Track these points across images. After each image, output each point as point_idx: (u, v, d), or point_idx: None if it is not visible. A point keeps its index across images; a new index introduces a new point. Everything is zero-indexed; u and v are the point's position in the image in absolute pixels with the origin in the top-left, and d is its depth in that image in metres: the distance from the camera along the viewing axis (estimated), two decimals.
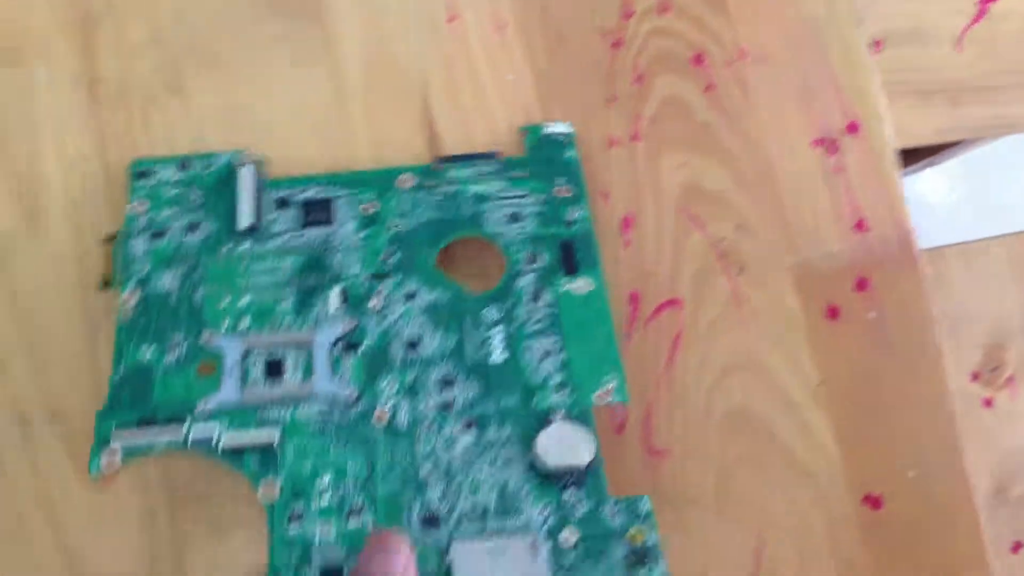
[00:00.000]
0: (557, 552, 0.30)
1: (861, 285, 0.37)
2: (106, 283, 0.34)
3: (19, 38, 0.37)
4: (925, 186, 0.69)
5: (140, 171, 0.36)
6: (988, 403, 0.61)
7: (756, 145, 0.37)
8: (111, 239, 0.34)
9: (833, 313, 0.37)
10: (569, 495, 0.31)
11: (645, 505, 0.32)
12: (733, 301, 0.37)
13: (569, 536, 0.31)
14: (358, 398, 0.33)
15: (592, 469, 0.32)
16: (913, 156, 0.74)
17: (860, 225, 0.37)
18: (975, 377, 0.61)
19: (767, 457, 0.37)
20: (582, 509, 0.31)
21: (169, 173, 0.36)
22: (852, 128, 0.37)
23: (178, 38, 0.37)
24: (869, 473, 0.37)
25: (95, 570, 0.35)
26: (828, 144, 0.37)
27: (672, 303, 0.37)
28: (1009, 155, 0.61)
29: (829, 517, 0.36)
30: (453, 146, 0.37)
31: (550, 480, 0.32)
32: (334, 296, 0.34)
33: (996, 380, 0.61)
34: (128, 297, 0.34)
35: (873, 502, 0.37)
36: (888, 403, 0.37)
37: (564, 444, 0.32)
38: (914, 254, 0.37)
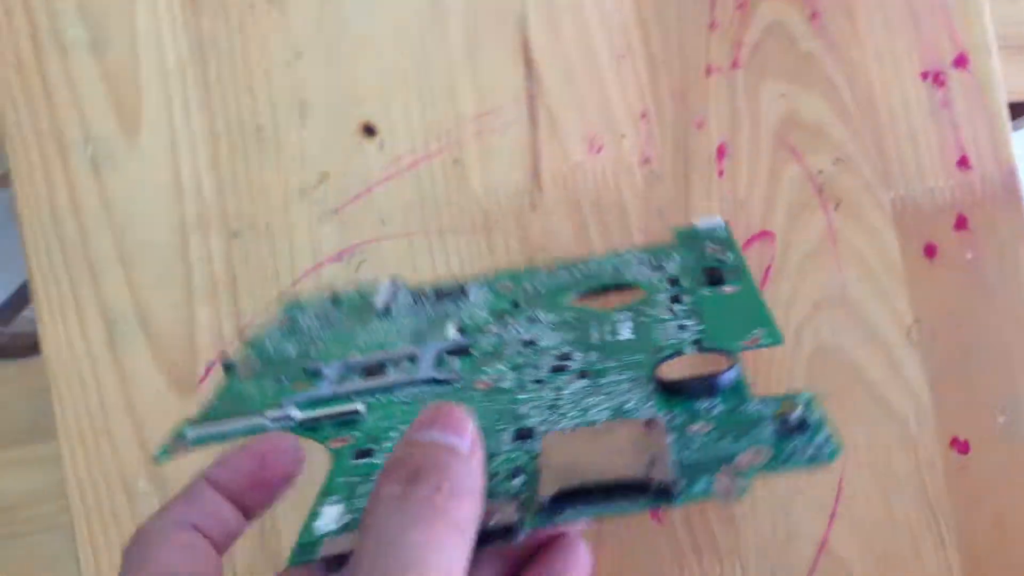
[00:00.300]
0: (683, 439, 0.23)
1: (961, 224, 0.36)
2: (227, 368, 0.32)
3: None
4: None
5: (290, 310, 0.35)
6: None
7: (860, 76, 0.36)
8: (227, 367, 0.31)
9: (931, 251, 0.36)
10: (702, 402, 0.24)
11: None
12: (828, 236, 0.36)
13: (702, 427, 0.23)
14: (460, 379, 0.29)
15: (731, 381, 0.25)
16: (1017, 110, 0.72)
17: (963, 162, 0.36)
18: None
19: (854, 394, 0.36)
20: (718, 408, 0.24)
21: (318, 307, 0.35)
22: (960, 61, 0.36)
23: None
24: (958, 416, 0.36)
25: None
26: (935, 77, 0.36)
27: (764, 235, 0.36)
28: None
29: (914, 457, 0.36)
30: (551, 76, 0.37)
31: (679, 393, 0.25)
32: (450, 326, 0.32)
33: None
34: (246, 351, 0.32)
35: (961, 446, 0.36)
36: (982, 346, 0.36)
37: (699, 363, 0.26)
38: (1018, 194, 0.36)
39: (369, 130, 0.36)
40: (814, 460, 0.21)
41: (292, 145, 0.36)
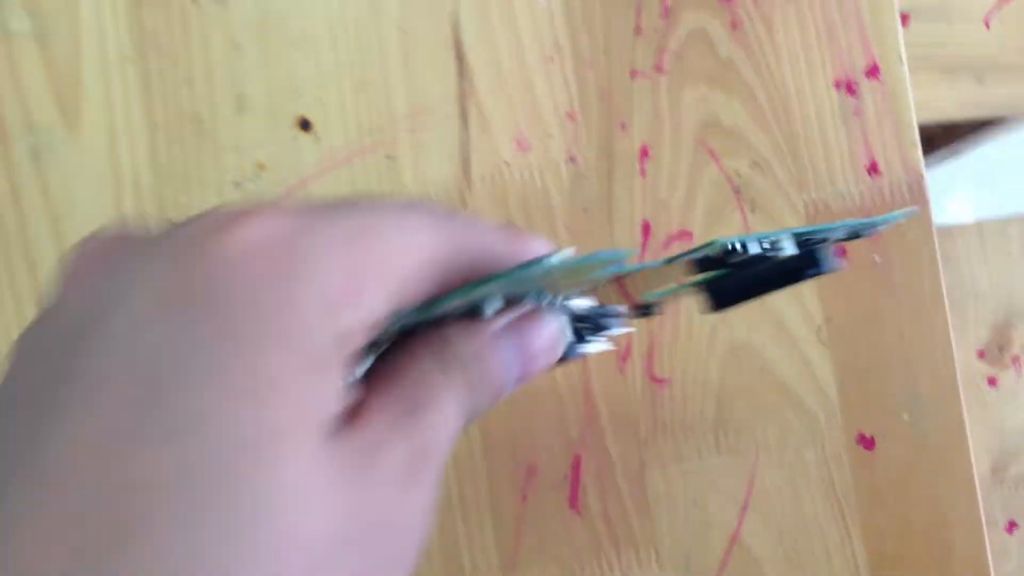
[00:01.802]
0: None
1: None
2: None
3: None
4: (946, 169, 0.69)
5: None
6: (992, 382, 0.62)
7: (776, 83, 0.37)
8: None
9: (841, 253, 0.37)
10: None
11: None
12: None
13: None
14: None
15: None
16: (934, 143, 0.74)
17: (873, 168, 0.37)
18: (981, 355, 0.62)
19: (766, 391, 0.37)
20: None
21: None
22: (872, 71, 0.37)
23: None
24: (865, 413, 0.37)
25: None
26: (848, 86, 0.37)
27: (683, 234, 0.38)
28: None
29: (823, 453, 0.37)
30: (482, 75, 0.38)
31: None
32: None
33: (1002, 359, 0.62)
34: None
35: (867, 443, 0.37)
36: (888, 346, 0.37)
37: None
38: (925, 200, 0.37)
39: (305, 124, 0.38)
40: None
41: (229, 137, 0.37)
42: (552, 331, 0.22)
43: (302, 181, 0.37)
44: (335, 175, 0.37)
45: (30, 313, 0.37)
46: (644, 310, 0.24)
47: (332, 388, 0.18)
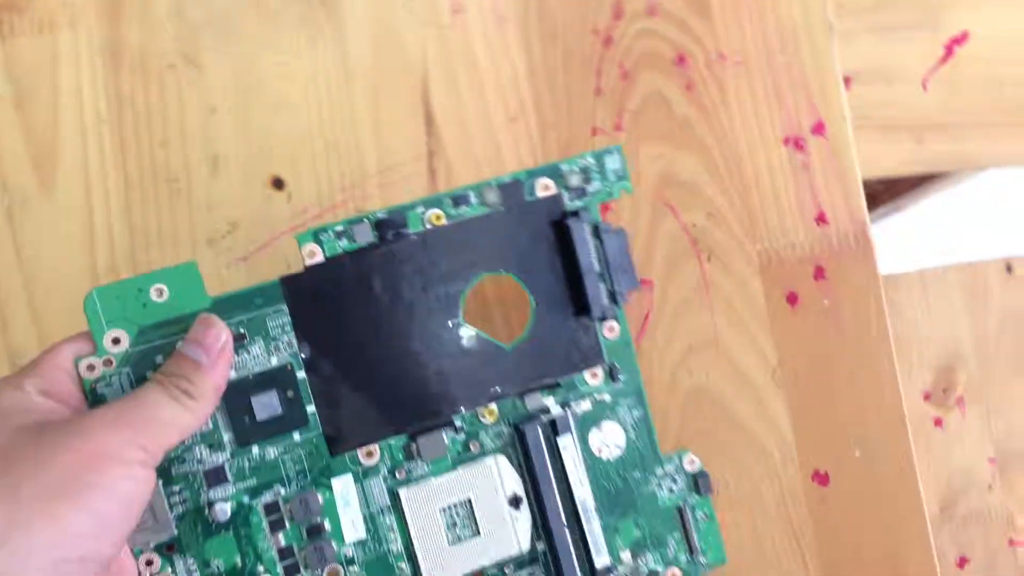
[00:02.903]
0: None
1: (819, 274, 0.39)
2: None
3: (50, 9, 0.39)
4: (890, 223, 0.72)
5: None
6: (938, 423, 0.64)
7: (729, 141, 0.40)
8: None
9: (793, 299, 0.39)
10: None
11: None
12: (701, 284, 0.39)
13: None
14: None
15: None
16: (877, 200, 0.77)
17: (821, 218, 0.40)
18: (927, 398, 0.64)
19: (724, 432, 0.39)
20: None
21: None
22: (818, 129, 0.40)
23: (198, 12, 0.39)
24: (819, 451, 0.39)
25: None
26: (796, 142, 0.40)
27: (644, 283, 0.39)
28: (967, 193, 0.64)
29: (780, 490, 0.39)
30: (449, 134, 0.39)
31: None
32: None
33: (947, 400, 0.64)
34: None
35: (821, 479, 0.39)
36: (839, 386, 0.39)
37: None
38: (870, 247, 0.39)
39: (278, 183, 0.39)
40: None
41: (203, 197, 0.38)
42: (217, 330, 0.31)
43: (275, 237, 0.38)
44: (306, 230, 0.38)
45: (3, 371, 0.37)
46: None
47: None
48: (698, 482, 0.35)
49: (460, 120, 0.40)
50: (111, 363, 0.31)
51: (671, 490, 0.35)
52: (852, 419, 0.39)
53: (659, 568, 0.35)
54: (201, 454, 0.31)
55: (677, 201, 0.39)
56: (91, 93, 0.38)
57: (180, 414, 0.29)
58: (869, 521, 0.39)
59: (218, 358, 0.30)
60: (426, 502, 0.33)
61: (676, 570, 0.35)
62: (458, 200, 0.34)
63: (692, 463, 0.35)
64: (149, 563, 0.31)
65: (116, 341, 0.31)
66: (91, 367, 0.31)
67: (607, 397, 0.35)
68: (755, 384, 0.39)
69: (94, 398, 0.31)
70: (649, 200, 0.39)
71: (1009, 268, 0.65)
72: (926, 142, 0.63)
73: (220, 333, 0.31)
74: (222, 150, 0.39)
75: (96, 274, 0.38)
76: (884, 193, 0.79)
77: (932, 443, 0.64)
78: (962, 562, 0.64)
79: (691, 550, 0.35)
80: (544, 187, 0.34)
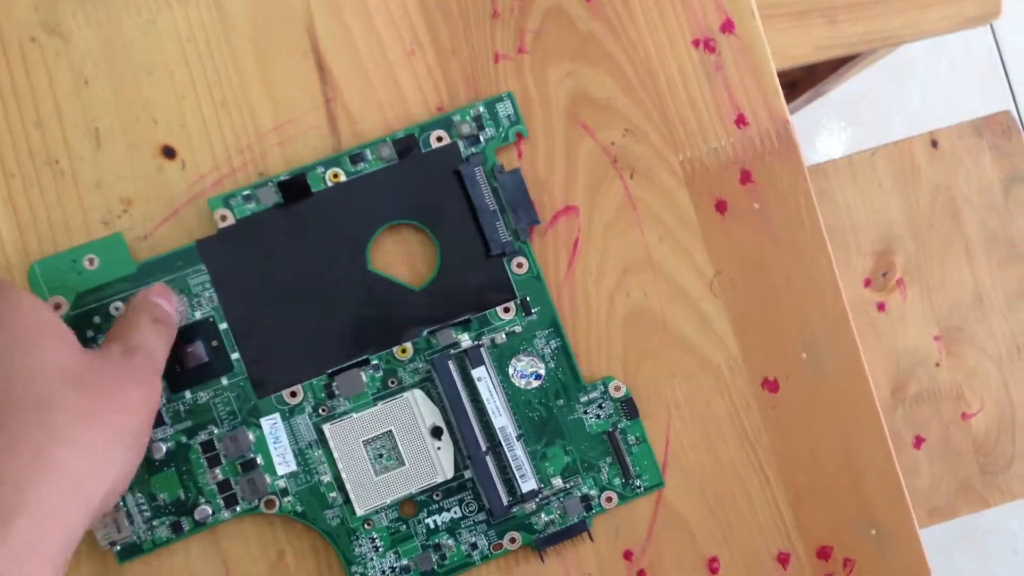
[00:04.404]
0: None
1: (745, 178, 0.38)
2: None
3: None
4: (813, 110, 0.71)
5: None
6: (881, 307, 0.65)
7: (638, 50, 0.38)
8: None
9: (722, 207, 0.38)
10: None
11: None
12: (627, 203, 0.38)
13: None
14: None
15: None
16: (798, 88, 0.76)
17: (740, 120, 0.38)
18: (867, 283, 0.64)
19: (669, 350, 0.38)
20: None
21: None
22: (727, 27, 0.38)
23: None
24: (765, 358, 0.38)
25: None
26: (706, 44, 0.38)
27: (569, 210, 0.38)
28: (898, 66, 0.64)
29: (731, 402, 0.38)
30: (345, 78, 0.37)
31: None
32: None
33: (887, 284, 0.64)
34: None
35: (771, 385, 0.38)
36: (778, 290, 0.38)
37: None
38: (794, 144, 0.38)
39: (169, 151, 0.36)
40: None
41: (90, 175, 0.36)
42: (160, 289, 0.35)
43: (174, 210, 0.36)
44: (206, 199, 0.36)
45: None
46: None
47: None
48: (625, 407, 0.37)
49: (354, 62, 0.37)
50: None
51: (598, 416, 0.37)
52: (795, 322, 0.38)
53: (593, 492, 0.37)
54: None
55: (592, 120, 0.38)
56: None
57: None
58: (821, 421, 0.38)
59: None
60: (349, 436, 0.35)
61: (612, 493, 0.37)
62: (355, 158, 0.36)
63: (618, 389, 0.37)
64: None
65: (57, 306, 0.34)
66: None
67: (519, 329, 0.36)
68: (694, 299, 0.38)
69: None
70: (563, 123, 0.38)
71: (934, 143, 0.64)
72: (839, 24, 0.62)
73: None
74: (103, 123, 0.36)
75: None
76: (805, 80, 0.78)
77: (877, 328, 0.64)
78: (918, 442, 0.65)
79: (626, 475, 0.37)
80: (438, 138, 0.36)
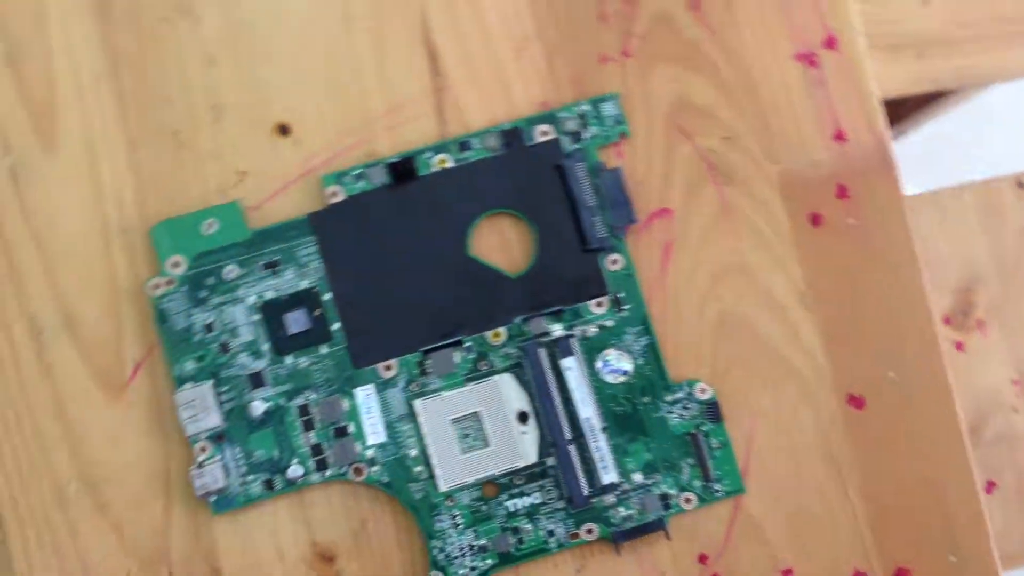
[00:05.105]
0: None
1: (841, 193, 0.38)
2: None
3: None
4: (896, 146, 0.71)
5: None
6: (959, 346, 0.64)
7: (740, 60, 0.38)
8: None
9: (816, 220, 0.38)
10: None
11: None
12: (722, 210, 0.38)
13: None
14: None
15: None
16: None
17: (839, 135, 0.38)
18: (947, 321, 0.63)
19: (757, 358, 0.38)
20: None
21: None
22: (830, 42, 0.38)
23: None
24: (852, 374, 0.38)
25: (110, 476, 0.36)
26: (808, 58, 0.38)
27: (664, 212, 0.38)
28: (983, 107, 0.63)
29: (816, 415, 0.38)
30: (455, 70, 0.38)
31: None
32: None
33: (967, 323, 0.63)
34: None
35: (857, 402, 0.38)
36: (869, 306, 0.38)
37: None
38: (891, 163, 0.38)
39: (283, 129, 0.38)
40: None
41: (209, 147, 0.37)
42: None
43: (284, 185, 0.37)
44: (317, 175, 0.37)
45: (18, 334, 0.36)
46: None
47: None
48: (709, 410, 0.37)
49: (464, 55, 0.38)
50: (172, 283, 0.36)
51: (682, 417, 0.37)
52: (885, 341, 0.38)
53: (672, 491, 0.36)
54: (244, 361, 0.36)
55: (691, 126, 0.38)
56: (85, 49, 0.37)
57: None
58: (906, 441, 0.38)
59: None
60: (438, 413, 0.36)
61: (691, 495, 0.36)
62: (463, 146, 0.37)
63: (704, 391, 0.37)
64: (203, 450, 0.35)
65: (176, 265, 0.36)
66: (156, 286, 0.36)
67: (610, 324, 0.37)
68: (785, 308, 0.38)
69: (159, 314, 0.36)
70: (662, 127, 0.38)
71: (1021, 184, 0.64)
72: (927, 58, 0.62)
73: None
74: (224, 100, 0.37)
75: (108, 234, 0.36)
76: (889, 117, 0.77)
77: (955, 367, 0.63)
78: (990, 487, 0.63)
79: (706, 477, 0.36)
80: (543, 132, 0.37)
